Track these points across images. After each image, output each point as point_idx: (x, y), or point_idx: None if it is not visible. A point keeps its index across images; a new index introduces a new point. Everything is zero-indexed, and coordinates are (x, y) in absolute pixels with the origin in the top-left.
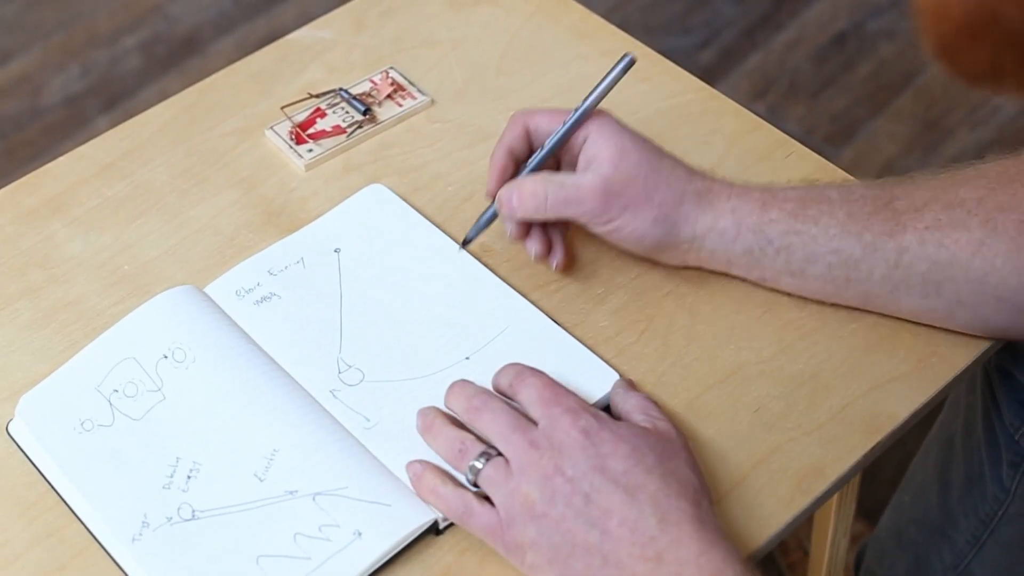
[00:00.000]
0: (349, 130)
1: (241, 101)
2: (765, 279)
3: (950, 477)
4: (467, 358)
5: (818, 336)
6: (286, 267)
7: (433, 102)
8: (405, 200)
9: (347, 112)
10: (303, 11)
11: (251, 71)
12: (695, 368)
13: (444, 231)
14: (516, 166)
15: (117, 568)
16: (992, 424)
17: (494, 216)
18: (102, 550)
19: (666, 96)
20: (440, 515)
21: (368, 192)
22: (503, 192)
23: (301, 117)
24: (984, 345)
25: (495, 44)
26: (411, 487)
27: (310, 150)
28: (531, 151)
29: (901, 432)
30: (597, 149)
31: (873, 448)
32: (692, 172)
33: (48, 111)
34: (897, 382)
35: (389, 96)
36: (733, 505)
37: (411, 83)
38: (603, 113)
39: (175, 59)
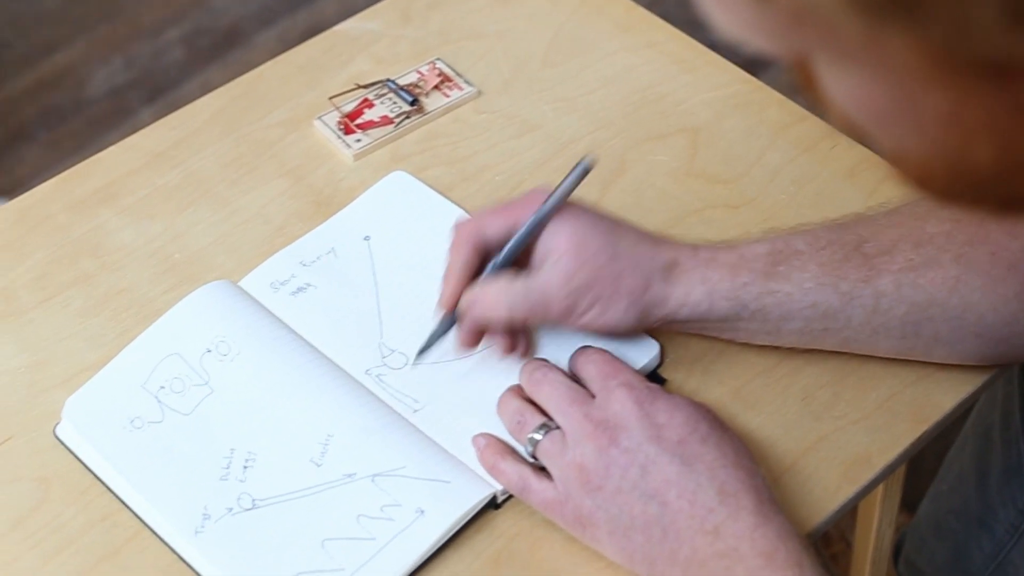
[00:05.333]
0: (397, 120)
1: (289, 92)
2: (738, 339)
3: (988, 467)
4: None
5: None
6: (318, 257)
7: (480, 93)
8: (450, 189)
9: (395, 103)
10: (345, 4)
11: (298, 62)
12: (742, 356)
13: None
14: (474, 276)
15: (171, 552)
16: None
17: (450, 326)
18: (155, 534)
19: (711, 88)
20: (499, 489)
21: (391, 179)
22: (464, 301)
23: (349, 107)
24: None
25: (541, 36)
26: (467, 463)
27: (358, 140)
28: (486, 260)
29: (948, 422)
30: (555, 241)
31: (920, 437)
32: (656, 245)
33: (92, 103)
34: (944, 372)
35: (436, 87)
36: (780, 493)
37: (458, 74)
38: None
39: (217, 51)
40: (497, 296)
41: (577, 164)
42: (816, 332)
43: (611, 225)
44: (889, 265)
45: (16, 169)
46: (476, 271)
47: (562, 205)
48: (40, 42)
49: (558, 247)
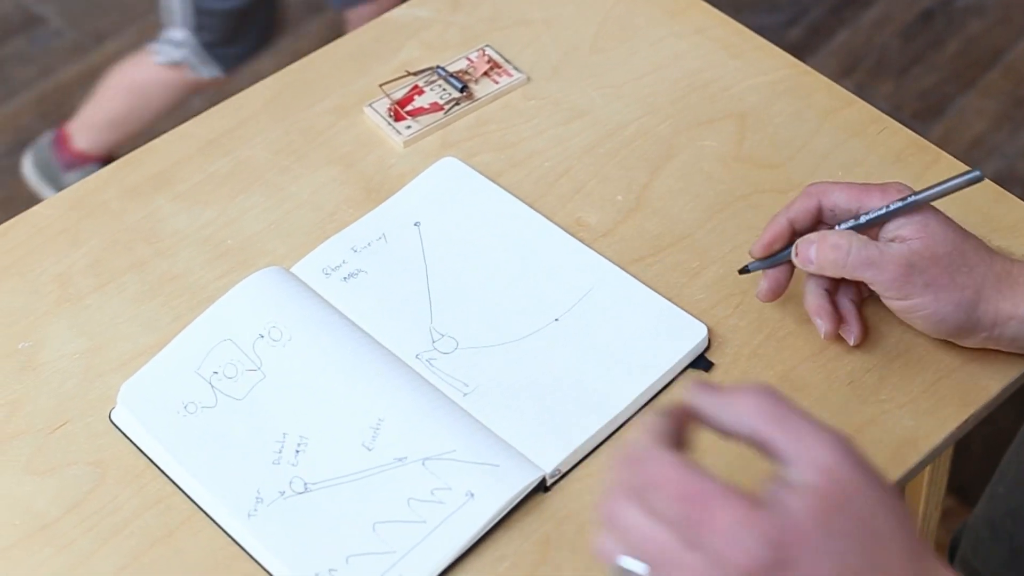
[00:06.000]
0: (446, 107)
1: (339, 79)
2: None
3: None
4: (556, 320)
5: None
6: (369, 243)
7: (529, 79)
8: (499, 175)
9: (444, 89)
10: None
11: (348, 50)
12: (789, 341)
13: (537, 207)
14: (792, 237)
15: (224, 534)
16: None
17: (781, 262)
18: (209, 517)
19: (759, 72)
20: (547, 471)
21: (441, 165)
22: (802, 242)
23: (399, 94)
24: None
25: (589, 22)
26: (516, 447)
27: (408, 127)
28: (815, 226)
29: (994, 405)
30: (905, 227)
31: (966, 421)
32: (993, 253)
33: None
34: (990, 355)
35: (485, 73)
36: None
37: (507, 60)
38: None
39: None
40: (838, 240)
41: (967, 172)
42: None
43: (958, 227)
44: None
45: None
46: (798, 232)
47: (923, 203)
48: (91, 31)
49: (904, 230)
